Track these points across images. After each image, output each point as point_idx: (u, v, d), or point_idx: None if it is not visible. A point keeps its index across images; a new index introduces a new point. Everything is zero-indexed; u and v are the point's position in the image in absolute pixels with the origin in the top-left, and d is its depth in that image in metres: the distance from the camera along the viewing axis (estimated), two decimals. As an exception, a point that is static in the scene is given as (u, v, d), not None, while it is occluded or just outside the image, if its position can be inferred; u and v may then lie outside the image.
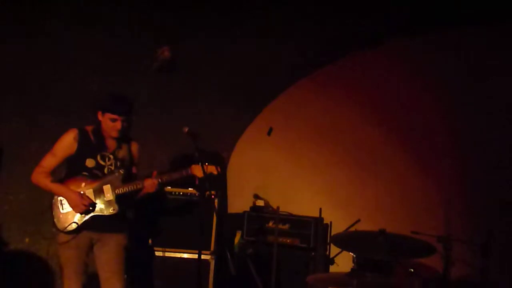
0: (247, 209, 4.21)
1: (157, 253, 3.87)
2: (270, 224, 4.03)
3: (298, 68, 4.46)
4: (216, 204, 3.93)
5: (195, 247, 3.76)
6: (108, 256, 3.16)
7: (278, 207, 3.89)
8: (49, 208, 3.14)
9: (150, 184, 3.20)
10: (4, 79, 3.80)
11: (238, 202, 4.55)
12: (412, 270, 3.07)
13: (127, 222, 3.32)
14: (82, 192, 3.12)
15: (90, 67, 3.93)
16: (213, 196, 3.94)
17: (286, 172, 4.53)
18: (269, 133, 4.56)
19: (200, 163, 3.22)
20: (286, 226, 4.03)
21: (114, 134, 3.16)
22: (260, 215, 4.10)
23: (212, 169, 3.33)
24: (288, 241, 3.98)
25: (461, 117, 3.85)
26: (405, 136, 4.10)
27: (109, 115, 3.13)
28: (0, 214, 3.88)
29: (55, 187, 3.11)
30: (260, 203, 4.24)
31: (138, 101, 4.10)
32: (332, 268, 3.88)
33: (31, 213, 3.89)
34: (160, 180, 3.22)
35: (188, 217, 3.88)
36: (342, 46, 4.20)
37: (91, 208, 3.11)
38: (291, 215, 4.10)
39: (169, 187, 3.97)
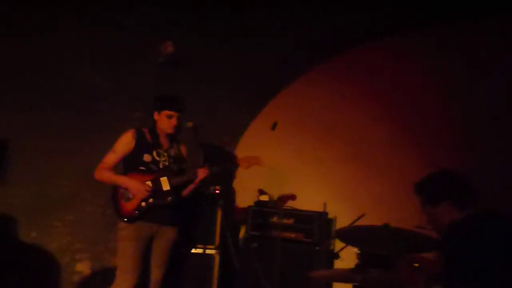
0: (251, 203, 4.23)
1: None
2: (274, 219, 4.03)
3: (302, 63, 4.45)
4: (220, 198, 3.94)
5: (200, 241, 3.80)
6: (161, 250, 3.40)
7: (276, 201, 3.89)
8: (112, 198, 3.34)
9: (202, 172, 3.43)
10: (10, 75, 3.82)
11: (243, 197, 4.56)
12: (417, 264, 3.07)
13: (180, 215, 3.51)
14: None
15: (95, 63, 3.95)
16: (217, 191, 3.96)
17: (291, 167, 4.52)
18: (273, 128, 4.56)
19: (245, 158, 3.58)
20: (291, 221, 4.03)
21: (170, 130, 3.43)
22: (264, 210, 4.10)
23: (257, 161, 3.65)
24: (292, 235, 3.98)
25: (467, 113, 3.84)
26: (410, 130, 4.09)
27: (166, 112, 3.40)
28: (8, 208, 3.89)
29: (118, 178, 3.35)
30: (265, 198, 4.25)
31: (142, 96, 4.14)
32: (337, 263, 3.88)
33: (37, 207, 3.92)
34: (211, 171, 3.46)
35: (193, 212, 3.89)
36: (346, 40, 4.20)
37: (152, 194, 3.30)
38: (295, 209, 4.10)
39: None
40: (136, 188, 3.31)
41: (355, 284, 2.48)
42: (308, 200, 4.20)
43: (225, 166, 3.63)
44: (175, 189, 3.41)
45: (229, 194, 4.52)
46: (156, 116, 3.45)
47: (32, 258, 3.85)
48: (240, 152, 4.78)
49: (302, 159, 4.51)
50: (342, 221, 3.93)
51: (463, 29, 3.85)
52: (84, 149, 3.96)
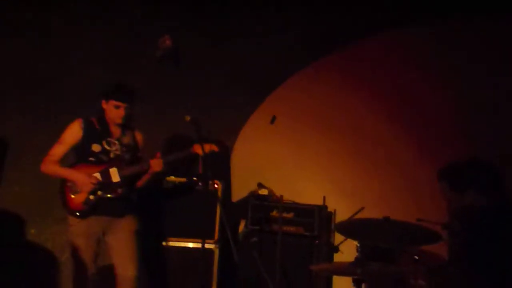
0: (251, 198, 4.21)
1: (159, 242, 3.88)
2: (274, 212, 4.02)
3: (301, 57, 4.43)
4: (219, 193, 3.94)
5: (199, 236, 3.78)
6: (120, 243, 3.25)
7: (281, 196, 3.88)
8: (59, 192, 3.21)
9: (156, 163, 3.27)
10: (7, 74, 3.82)
11: (242, 191, 4.55)
12: (417, 257, 3.07)
13: (134, 205, 3.37)
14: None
15: (93, 59, 3.94)
16: (216, 185, 3.95)
17: (290, 161, 4.51)
18: (272, 122, 4.53)
19: (203, 142, 3.31)
20: (290, 215, 4.03)
21: (118, 120, 3.27)
22: (264, 204, 4.09)
23: (213, 146, 3.38)
24: (292, 229, 3.98)
25: (464, 105, 3.83)
26: (410, 124, 4.08)
27: (113, 102, 3.25)
28: (6, 205, 3.90)
29: (63, 171, 3.22)
30: (264, 191, 4.23)
31: (141, 90, 4.12)
32: (337, 256, 3.87)
33: (36, 205, 3.91)
34: (165, 160, 3.30)
35: (192, 207, 3.88)
36: (345, 36, 4.18)
37: (98, 187, 3.18)
38: (294, 203, 4.09)
39: (173, 177, 3.98)
40: (81, 181, 3.16)
41: (355, 277, 2.47)
42: (308, 194, 4.19)
43: (179, 154, 3.40)
44: (126, 180, 3.26)
45: (228, 188, 4.50)
46: (103, 104, 3.30)
47: (31, 255, 3.85)
48: (240, 146, 4.77)
49: (301, 153, 4.49)
50: (341, 215, 3.93)
51: (460, 25, 3.85)
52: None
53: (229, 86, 4.47)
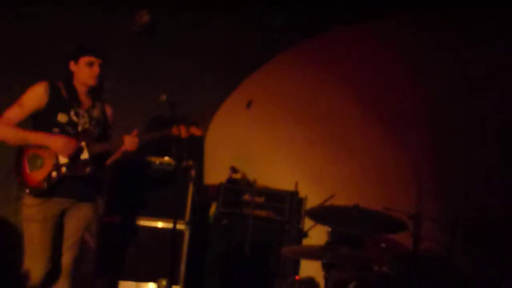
0: (223, 181, 4.22)
1: (129, 221, 3.84)
2: (246, 196, 4.05)
3: (278, 42, 4.42)
4: (193, 174, 3.92)
5: (170, 216, 3.76)
6: (73, 230, 2.89)
7: (254, 180, 3.90)
8: (14, 167, 2.74)
9: (130, 142, 2.92)
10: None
11: (215, 174, 4.55)
12: (384, 245, 3.16)
13: (99, 187, 3.05)
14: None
15: (66, 33, 3.81)
16: (189, 166, 3.94)
17: (264, 146, 4.53)
18: (248, 106, 4.53)
19: (183, 124, 3.08)
20: (262, 199, 4.06)
21: (92, 81, 2.86)
22: (236, 188, 4.11)
23: (194, 130, 3.14)
24: (263, 213, 4.01)
25: (436, 97, 3.92)
26: (382, 113, 4.15)
27: (85, 59, 2.83)
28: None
29: (30, 134, 2.72)
30: (237, 175, 4.24)
31: (115, 66, 4.03)
32: (305, 241, 3.95)
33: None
34: (141, 139, 2.98)
35: (164, 187, 3.86)
36: (323, 22, 4.20)
37: (79, 152, 2.77)
38: (266, 188, 4.12)
39: (147, 157, 3.93)
40: (61, 144, 2.70)
41: (324, 261, 2.52)
42: (280, 178, 4.23)
43: (156, 135, 3.10)
44: (96, 158, 2.85)
45: (200, 170, 4.49)
46: (72, 66, 2.85)
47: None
48: (214, 128, 4.75)
49: (275, 137, 4.51)
50: (312, 201, 3.98)
51: (437, 15, 3.92)
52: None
53: (205, 69, 4.44)
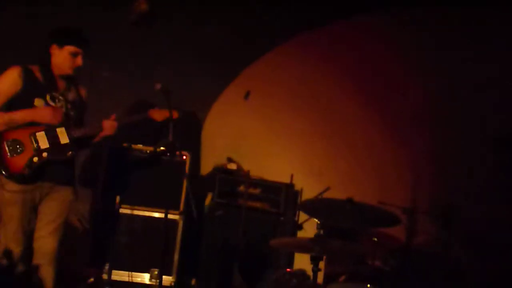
0: (217, 171, 4.20)
1: (124, 211, 3.84)
2: (242, 187, 4.03)
3: (277, 33, 4.39)
4: (187, 165, 3.91)
5: (164, 206, 3.76)
6: (54, 214, 2.83)
7: (248, 171, 3.88)
8: None
9: (109, 126, 2.90)
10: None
11: (212, 165, 4.53)
12: (375, 239, 3.13)
13: (75, 172, 2.98)
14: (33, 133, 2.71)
15: (60, 20, 3.78)
16: (184, 157, 3.92)
17: (261, 137, 4.51)
18: (246, 97, 4.50)
19: (157, 107, 3.04)
20: (257, 191, 4.04)
21: (70, 70, 2.81)
22: (231, 178, 4.09)
23: (172, 113, 3.07)
24: (258, 205, 4.00)
25: (434, 88, 3.87)
26: (380, 106, 4.11)
27: (70, 48, 2.77)
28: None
29: (14, 113, 2.68)
30: (232, 166, 4.23)
31: (113, 56, 4.02)
32: (300, 234, 3.93)
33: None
34: (119, 122, 2.96)
35: (159, 177, 3.85)
36: (320, 14, 4.16)
37: (47, 148, 2.72)
38: (262, 180, 4.11)
39: (140, 145, 3.92)
40: (48, 114, 2.69)
41: (312, 254, 2.50)
42: (277, 170, 4.21)
43: (134, 118, 3.10)
44: (76, 142, 2.82)
45: (195, 160, 4.47)
46: (54, 50, 2.77)
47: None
48: (211, 119, 4.73)
49: (273, 129, 4.49)
50: (308, 194, 3.96)
51: (437, 14, 3.87)
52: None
53: (204, 59, 4.41)
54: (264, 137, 4.50)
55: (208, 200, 4.28)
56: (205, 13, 4.19)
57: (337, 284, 2.87)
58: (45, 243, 2.83)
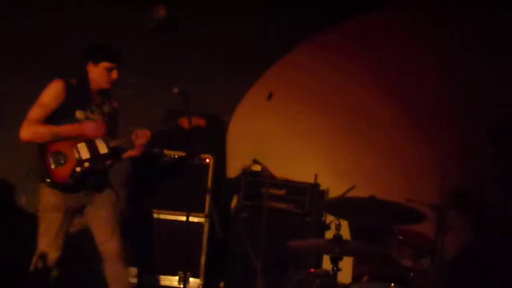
0: (243, 173, 4.20)
1: (152, 215, 3.90)
2: (266, 189, 4.00)
3: (297, 33, 4.34)
4: (211, 168, 3.93)
5: (190, 209, 3.79)
6: (102, 220, 3.02)
7: (271, 172, 3.86)
8: (37, 163, 2.88)
9: (142, 134, 3.02)
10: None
11: (237, 167, 4.53)
12: (401, 237, 3.04)
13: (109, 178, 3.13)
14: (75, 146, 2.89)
15: (82, 28, 3.88)
16: (208, 160, 3.94)
17: (285, 138, 4.47)
18: (269, 98, 4.47)
19: (185, 116, 3.13)
20: (282, 192, 4.02)
21: (107, 85, 2.99)
22: (257, 180, 4.08)
23: (199, 121, 3.18)
24: (283, 206, 3.97)
25: (459, 86, 3.74)
26: (404, 104, 4.01)
27: (105, 64, 2.95)
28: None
29: (61, 128, 2.83)
30: (257, 168, 4.22)
31: (134, 62, 4.08)
32: (328, 234, 3.87)
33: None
34: (151, 131, 3.08)
35: (185, 181, 3.88)
36: (340, 10, 4.08)
37: (91, 146, 2.90)
38: (287, 180, 4.08)
39: (165, 150, 3.97)
40: (92, 126, 2.86)
41: (331, 255, 2.45)
42: (302, 171, 4.16)
43: (165, 125, 3.34)
44: (113, 151, 2.99)
45: (220, 163, 4.49)
46: (90, 67, 2.95)
47: (22, 223, 3.87)
48: (236, 122, 4.74)
49: (296, 130, 4.45)
50: (334, 193, 3.91)
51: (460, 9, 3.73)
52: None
53: (227, 62, 4.42)
54: (288, 138, 4.47)
55: (234, 203, 4.29)
56: (227, 12, 4.20)
57: (359, 284, 2.80)
58: (109, 246, 3.03)
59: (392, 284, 2.57)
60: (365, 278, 2.82)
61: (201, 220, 3.90)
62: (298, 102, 4.45)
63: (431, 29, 3.83)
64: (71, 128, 2.86)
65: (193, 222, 3.84)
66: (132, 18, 3.99)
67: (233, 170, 4.62)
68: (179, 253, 3.82)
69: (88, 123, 2.89)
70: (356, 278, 3.02)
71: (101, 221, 3.03)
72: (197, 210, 3.86)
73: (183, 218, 3.85)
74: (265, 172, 4.15)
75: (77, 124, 2.88)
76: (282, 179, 4.09)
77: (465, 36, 3.73)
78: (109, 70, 2.96)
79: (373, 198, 2.82)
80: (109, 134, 3.02)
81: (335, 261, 2.42)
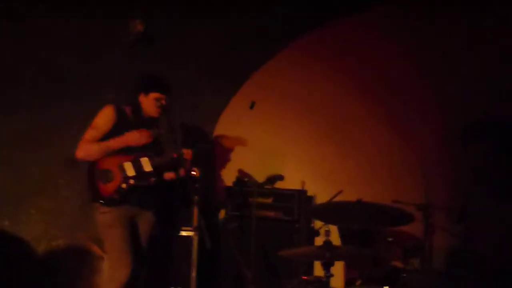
0: (231, 184, 4.19)
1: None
2: (254, 198, 3.99)
3: (277, 40, 4.37)
4: (197, 180, 3.89)
5: (177, 223, 3.77)
6: (144, 235, 3.28)
7: (258, 181, 3.87)
8: (88, 181, 3.11)
9: (187, 152, 3.25)
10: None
11: (224, 177, 4.52)
12: (390, 239, 3.06)
13: (159, 198, 3.34)
14: (120, 165, 3.12)
15: (65, 46, 3.85)
16: (193, 173, 3.91)
17: (269, 145, 4.48)
18: (251, 107, 4.48)
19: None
20: (270, 200, 4.01)
21: (156, 114, 3.23)
22: (244, 190, 4.06)
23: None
24: (271, 214, 3.96)
25: (442, 85, 3.79)
26: (386, 106, 4.04)
27: (154, 95, 3.20)
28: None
29: (110, 142, 3.09)
30: (244, 177, 4.20)
31: (113, 76, 4.05)
32: (318, 240, 3.87)
33: (9, 195, 3.82)
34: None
35: (171, 194, 3.84)
36: (320, 15, 4.12)
37: (133, 176, 3.10)
38: (275, 188, 4.08)
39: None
40: (136, 135, 3.11)
41: (323, 261, 2.45)
42: (289, 177, 4.17)
43: (203, 147, 3.55)
44: (157, 170, 3.24)
45: (208, 174, 4.47)
46: (142, 97, 3.24)
47: (5, 247, 3.79)
48: (219, 132, 4.73)
49: (281, 137, 4.46)
50: (321, 199, 3.90)
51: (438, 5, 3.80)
52: (56, 134, 3.87)
53: (207, 71, 4.42)
54: (273, 145, 4.47)
55: (222, 214, 4.27)
56: (204, 22, 4.21)
57: (353, 288, 2.81)
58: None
59: (386, 287, 2.57)
60: (358, 282, 2.82)
61: (190, 234, 3.85)
62: (281, 108, 4.47)
63: (415, 32, 3.88)
64: (118, 140, 3.11)
65: (181, 236, 3.80)
66: (110, 33, 3.96)
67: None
68: (169, 268, 3.77)
69: (131, 133, 3.12)
70: (348, 282, 3.02)
71: (141, 236, 3.26)
72: (186, 224, 3.82)
73: (172, 232, 3.84)
74: (251, 181, 4.13)
75: (123, 136, 3.11)
76: (269, 187, 4.08)
77: (445, 35, 3.79)
78: (158, 100, 3.21)
79: (360, 202, 2.84)
80: (156, 154, 3.23)
81: (327, 266, 2.42)
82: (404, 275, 2.91)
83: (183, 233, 3.82)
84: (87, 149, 3.08)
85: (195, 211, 3.85)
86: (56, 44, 3.87)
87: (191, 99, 4.42)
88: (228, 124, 4.71)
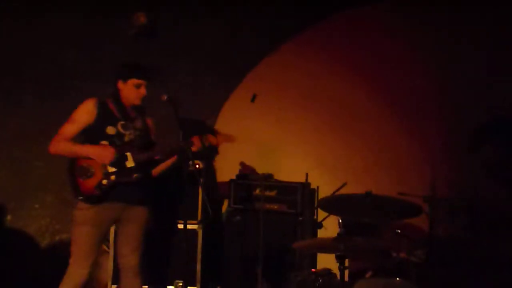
0: (234, 177, 4.18)
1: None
2: (257, 191, 4.00)
3: (280, 32, 4.35)
4: (201, 173, 3.88)
5: (182, 217, 3.75)
6: (134, 234, 3.12)
7: (263, 174, 3.85)
8: (68, 175, 3.00)
9: (197, 140, 3.15)
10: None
11: (226, 170, 4.51)
12: (399, 231, 3.08)
13: (150, 194, 3.21)
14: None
15: (64, 37, 3.80)
16: (197, 166, 3.89)
17: (272, 138, 4.47)
18: (253, 100, 4.47)
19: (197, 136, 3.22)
20: (273, 193, 4.01)
21: (137, 101, 3.13)
22: (246, 183, 4.06)
23: (212, 139, 3.29)
24: (275, 207, 3.96)
25: (445, 78, 3.81)
26: (391, 98, 4.06)
27: (133, 81, 3.10)
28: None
29: (78, 147, 3.00)
30: (247, 170, 4.21)
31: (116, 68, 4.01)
32: (320, 232, 3.89)
33: (13, 190, 3.81)
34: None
35: (175, 188, 3.83)
36: (323, 7, 4.11)
37: (119, 159, 3.01)
38: (277, 181, 4.07)
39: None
40: (99, 154, 2.97)
41: (337, 253, 2.46)
42: (291, 170, 4.17)
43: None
44: (141, 165, 3.09)
45: (210, 168, 4.46)
46: (120, 85, 3.11)
47: (8, 242, 3.76)
48: (221, 125, 4.71)
49: (284, 129, 4.45)
50: (324, 191, 3.90)
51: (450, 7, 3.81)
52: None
53: (208, 65, 4.39)
54: (276, 138, 4.47)
55: (224, 207, 4.26)
56: (207, 15, 4.17)
57: (365, 280, 2.83)
58: (129, 260, 3.12)
59: (398, 279, 2.59)
60: (368, 274, 2.84)
61: (195, 227, 3.85)
62: (284, 101, 4.45)
63: (420, 26, 3.89)
64: (83, 149, 3.00)
65: (187, 230, 3.79)
66: (112, 26, 3.92)
67: (222, 174, 4.58)
68: (173, 261, 3.76)
69: (94, 148, 2.99)
70: (357, 274, 3.04)
71: (129, 235, 3.12)
72: (190, 217, 3.81)
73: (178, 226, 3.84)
74: (254, 174, 4.13)
75: (89, 147, 3.00)
76: (272, 179, 4.08)
77: (454, 33, 3.80)
78: (137, 86, 3.10)
79: (370, 194, 2.85)
80: (141, 149, 3.11)
81: (341, 259, 2.43)
82: (410, 266, 2.94)
83: (188, 227, 3.80)
84: (57, 146, 3.00)
85: (200, 204, 3.88)
86: (60, 40, 3.82)
87: (193, 92, 4.40)
88: (230, 118, 4.69)
